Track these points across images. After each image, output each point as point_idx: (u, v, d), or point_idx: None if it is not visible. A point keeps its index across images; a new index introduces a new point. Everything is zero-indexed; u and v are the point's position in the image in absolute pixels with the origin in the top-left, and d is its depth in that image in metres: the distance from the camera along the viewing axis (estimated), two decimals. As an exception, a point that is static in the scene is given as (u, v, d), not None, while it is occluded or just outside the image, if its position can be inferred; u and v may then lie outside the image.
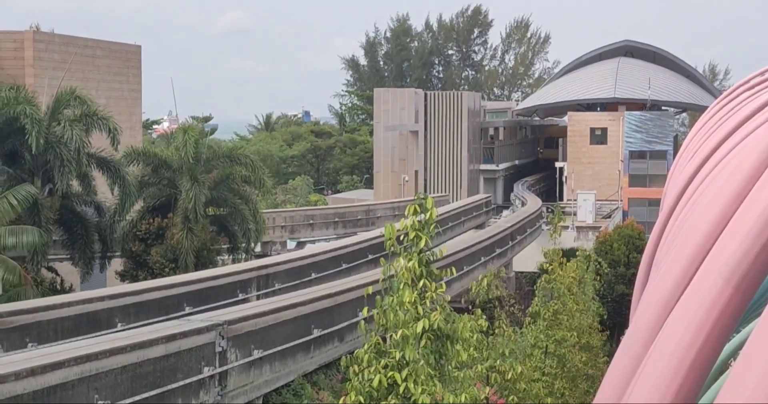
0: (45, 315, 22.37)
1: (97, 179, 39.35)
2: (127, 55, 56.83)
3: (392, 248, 12.93)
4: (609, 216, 68.58)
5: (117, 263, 41.14)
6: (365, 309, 13.01)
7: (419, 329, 12.45)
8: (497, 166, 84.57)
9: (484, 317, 15.93)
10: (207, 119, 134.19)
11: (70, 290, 36.93)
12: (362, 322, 13.41)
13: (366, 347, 12.65)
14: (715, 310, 3.50)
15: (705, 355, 3.56)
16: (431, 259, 13.21)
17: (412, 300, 12.57)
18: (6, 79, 42.25)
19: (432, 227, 12.99)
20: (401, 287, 12.69)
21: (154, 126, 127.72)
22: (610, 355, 36.25)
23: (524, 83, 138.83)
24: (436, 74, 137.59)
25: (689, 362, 3.57)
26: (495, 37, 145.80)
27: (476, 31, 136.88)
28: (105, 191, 40.01)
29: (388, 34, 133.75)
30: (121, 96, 55.21)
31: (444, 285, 13.41)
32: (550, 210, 61.48)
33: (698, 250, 4.02)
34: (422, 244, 12.86)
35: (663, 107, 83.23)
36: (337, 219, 56.51)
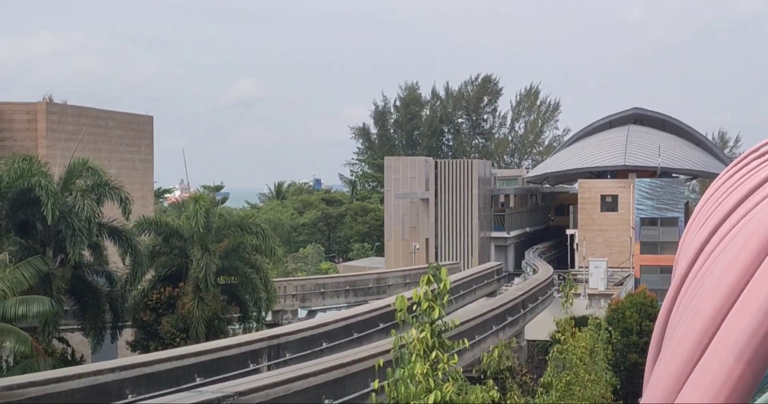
0: (56, 387, 22.25)
1: (108, 248, 39.47)
2: (138, 126, 57.33)
3: (402, 319, 12.87)
4: (621, 283, 68.27)
5: (128, 333, 41.05)
6: (376, 381, 12.92)
7: (431, 401, 12.34)
8: (508, 233, 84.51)
9: (496, 388, 15.80)
10: (218, 188, 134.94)
11: (81, 360, 36.81)
12: (373, 395, 13.31)
13: (377, 420, 12.54)
14: (727, 386, 3.49)
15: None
16: (443, 329, 13.14)
17: (424, 372, 12.48)
18: (19, 151, 42.62)
19: (445, 298, 12.94)
20: (413, 358, 12.60)
21: (166, 195, 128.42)
22: (625, 425, 35.83)
23: (534, 151, 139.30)
24: (446, 142, 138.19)
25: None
26: (504, 104, 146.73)
27: (486, 99, 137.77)
28: (116, 261, 40.10)
29: (398, 103, 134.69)
30: (133, 166, 55.58)
31: (456, 356, 13.32)
32: (561, 278, 61.26)
33: (709, 323, 4.01)
34: (435, 315, 12.80)
35: (673, 175, 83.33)
36: (348, 287, 56.35)
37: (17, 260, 32.43)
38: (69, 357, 36.57)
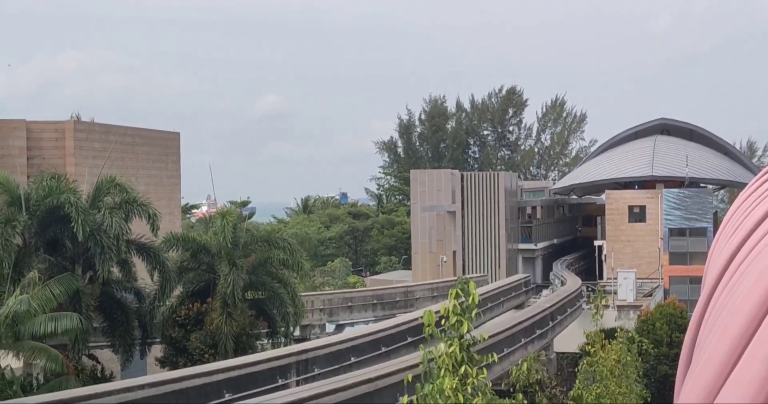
0: (85, 404, 22.34)
1: (136, 264, 39.63)
2: (165, 142, 57.61)
3: (431, 333, 12.82)
4: (650, 295, 67.87)
5: (157, 350, 41.15)
6: (405, 397, 12.86)
7: (460, 416, 12.26)
8: (535, 245, 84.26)
9: (525, 401, 15.70)
10: (245, 203, 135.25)
11: (111, 377, 36.93)
12: (402, 410, 13.25)
13: (407, 435, 12.47)
14: (759, 399, 3.44)
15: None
16: (472, 343, 13.08)
17: (453, 387, 12.42)
18: (47, 169, 42.92)
19: (474, 312, 12.87)
20: (442, 373, 12.55)
21: (193, 210, 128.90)
22: (656, 437, 35.55)
23: (561, 162, 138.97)
24: (472, 154, 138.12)
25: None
26: (530, 116, 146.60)
27: (511, 111, 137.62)
28: (145, 277, 40.24)
29: (423, 116, 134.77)
30: (160, 182, 55.84)
31: (485, 370, 13.26)
32: (590, 289, 60.98)
33: (741, 336, 3.96)
34: (464, 329, 12.74)
35: (701, 184, 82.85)
36: (375, 301, 56.34)
37: (46, 278, 32.62)
38: (98, 374, 36.70)
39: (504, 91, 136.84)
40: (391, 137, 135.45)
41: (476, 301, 12.66)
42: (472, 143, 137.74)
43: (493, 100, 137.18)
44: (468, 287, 12.73)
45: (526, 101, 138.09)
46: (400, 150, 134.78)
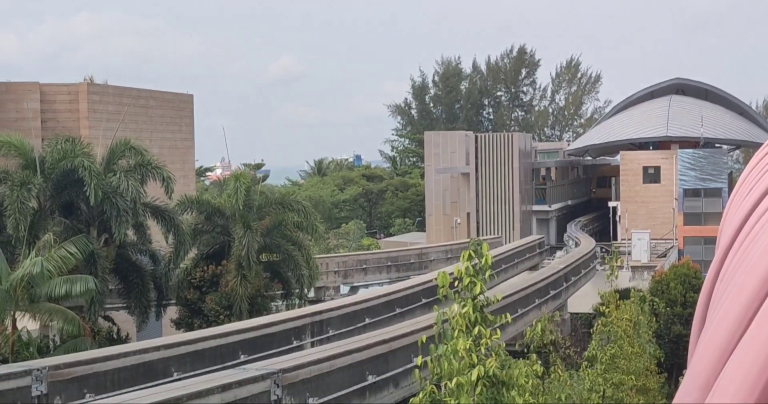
0: (102, 365, 22.49)
1: (151, 227, 39.75)
2: (179, 105, 57.54)
3: (444, 294, 12.84)
4: (664, 255, 67.82)
5: (172, 311, 41.39)
6: (419, 358, 12.91)
7: (474, 377, 12.31)
8: (549, 207, 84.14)
9: (539, 362, 15.75)
10: (259, 166, 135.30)
11: (127, 339, 37.19)
12: (416, 371, 13.31)
13: (421, 395, 12.55)
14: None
15: (767, 400, 3.47)
16: (485, 304, 13.10)
17: (467, 348, 12.46)
18: (61, 131, 42.93)
19: (487, 273, 12.88)
20: (455, 334, 12.58)
21: (207, 173, 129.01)
22: (669, 397, 35.70)
23: (575, 123, 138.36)
24: (487, 116, 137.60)
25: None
26: (543, 77, 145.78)
27: (524, 71, 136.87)
28: (159, 240, 40.37)
29: (436, 78, 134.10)
30: (174, 145, 55.85)
31: (499, 331, 13.30)
32: (604, 250, 60.93)
33: (755, 294, 3.94)
34: (477, 290, 12.75)
35: (716, 145, 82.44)
36: (389, 263, 56.43)
37: (62, 240, 32.77)
38: (114, 336, 36.95)
39: (515, 52, 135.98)
40: (405, 99, 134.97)
41: (489, 262, 12.67)
42: (486, 103, 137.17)
43: (505, 61, 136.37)
44: (481, 249, 12.74)
45: (538, 61, 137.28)
46: (413, 112, 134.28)
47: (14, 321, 29.69)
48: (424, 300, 37.32)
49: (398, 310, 36.45)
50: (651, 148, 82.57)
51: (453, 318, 12.78)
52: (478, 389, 12.57)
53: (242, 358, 26.33)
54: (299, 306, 39.98)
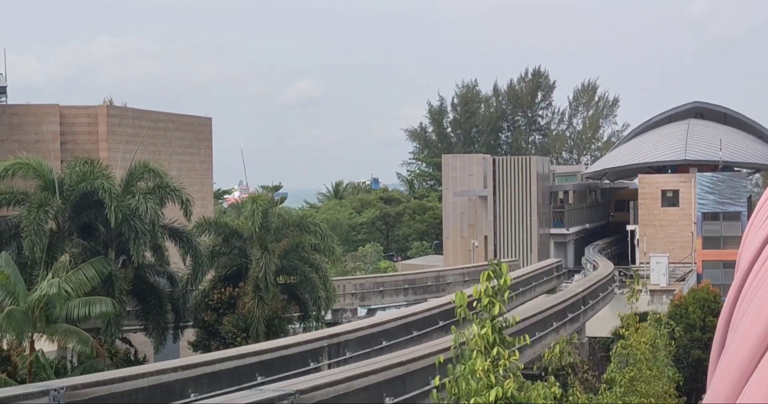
0: (119, 386, 22.49)
1: (169, 249, 39.85)
2: (198, 128, 57.81)
3: (463, 316, 12.82)
4: (683, 279, 67.51)
5: (189, 333, 41.42)
6: (437, 378, 12.88)
7: (492, 397, 12.27)
8: (567, 230, 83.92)
9: (558, 384, 15.69)
10: (277, 188, 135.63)
11: (144, 360, 37.21)
12: (434, 392, 13.28)
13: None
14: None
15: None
16: (504, 325, 13.07)
17: (485, 368, 12.42)
18: (81, 154, 43.16)
19: (506, 293, 12.86)
20: (474, 355, 12.55)
21: (225, 196, 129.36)
22: (689, 422, 35.45)
23: (593, 146, 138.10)
24: (505, 139, 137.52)
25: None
26: (560, 99, 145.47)
27: (540, 94, 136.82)
28: (177, 261, 40.46)
29: (455, 101, 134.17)
30: (193, 167, 56.07)
31: (517, 353, 13.25)
32: (622, 274, 60.72)
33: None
34: (496, 311, 12.73)
35: (735, 168, 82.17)
36: (407, 286, 56.38)
37: (80, 262, 32.87)
38: (132, 357, 36.98)
39: (530, 75, 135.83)
40: (421, 124, 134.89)
41: (508, 283, 12.65)
42: (504, 127, 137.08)
43: (521, 84, 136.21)
44: (500, 269, 12.72)
45: (553, 83, 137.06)
46: (430, 135, 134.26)
47: (32, 342, 29.78)
48: (441, 323, 37.21)
49: (415, 333, 36.36)
50: (669, 171, 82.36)
51: (471, 338, 12.75)
52: (496, 410, 12.52)
53: (259, 379, 26.30)
54: (316, 329, 39.94)
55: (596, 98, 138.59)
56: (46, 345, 30.96)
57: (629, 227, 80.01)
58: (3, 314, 28.83)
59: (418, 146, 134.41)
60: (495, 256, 76.28)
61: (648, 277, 63.32)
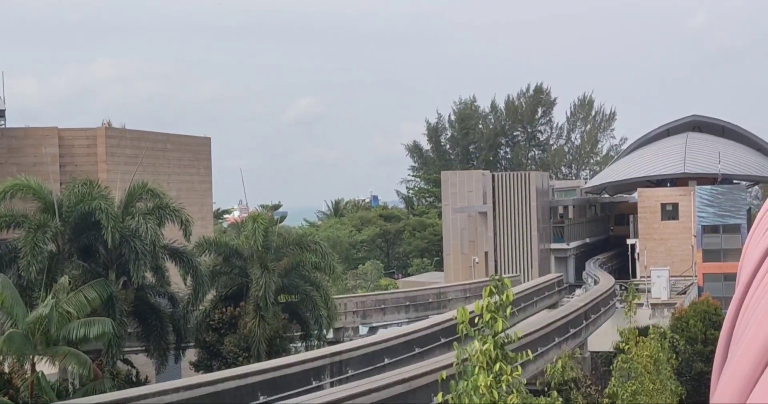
0: (121, 407, 22.45)
1: (169, 269, 39.80)
2: (197, 148, 57.86)
3: (465, 332, 12.80)
4: (684, 292, 67.43)
5: (191, 354, 41.32)
6: (440, 395, 12.85)
7: (495, 413, 12.24)
8: (568, 244, 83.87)
9: (560, 399, 15.65)
10: (276, 207, 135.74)
11: (146, 381, 37.10)
12: (437, 408, 13.23)
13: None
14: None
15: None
16: (506, 341, 13.05)
17: (488, 384, 12.39)
18: (80, 176, 43.18)
19: (508, 309, 12.84)
20: (476, 370, 12.52)
21: (225, 215, 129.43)
22: (693, 435, 35.33)
23: (592, 161, 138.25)
24: (504, 155, 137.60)
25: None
26: (559, 115, 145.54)
27: (540, 110, 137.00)
28: (178, 282, 40.41)
29: (452, 118, 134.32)
30: (192, 188, 56.08)
31: (520, 368, 13.22)
32: (623, 288, 60.66)
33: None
34: (498, 326, 12.71)
35: (734, 181, 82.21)
36: (408, 303, 56.29)
37: (80, 283, 32.82)
38: (133, 379, 36.87)
39: (531, 91, 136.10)
40: (414, 141, 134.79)
41: (510, 298, 12.63)
42: (503, 143, 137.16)
43: (521, 100, 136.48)
44: (502, 284, 12.70)
45: (554, 99, 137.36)
46: (428, 152, 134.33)
47: (33, 364, 29.70)
48: (443, 340, 37.16)
49: (417, 350, 36.30)
50: (668, 185, 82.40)
51: (474, 354, 12.72)
52: (499, 426, 12.48)
53: (261, 399, 26.25)
54: (318, 347, 39.85)
55: (594, 112, 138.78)
56: (47, 367, 30.87)
57: (629, 241, 80.00)
58: (3, 337, 28.76)
59: (416, 163, 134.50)
60: (496, 272, 76.17)
61: (649, 291, 63.25)
